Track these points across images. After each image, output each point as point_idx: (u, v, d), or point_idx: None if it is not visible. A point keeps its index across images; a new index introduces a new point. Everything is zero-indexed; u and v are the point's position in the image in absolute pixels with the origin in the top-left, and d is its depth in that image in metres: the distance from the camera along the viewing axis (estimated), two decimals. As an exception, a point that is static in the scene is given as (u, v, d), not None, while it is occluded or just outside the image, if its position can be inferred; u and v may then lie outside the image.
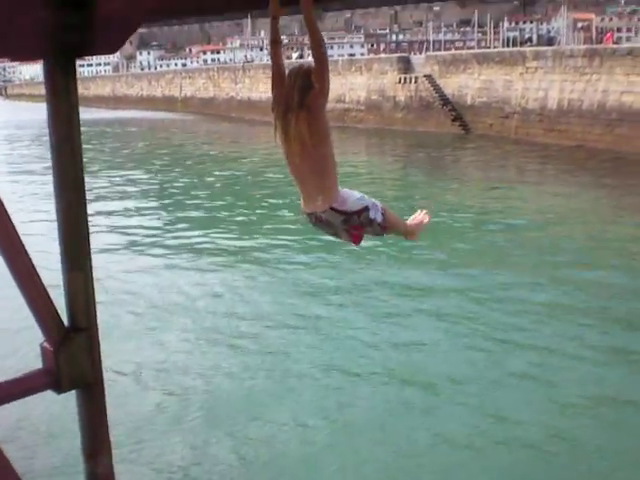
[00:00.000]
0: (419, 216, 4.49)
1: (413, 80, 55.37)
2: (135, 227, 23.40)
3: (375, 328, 13.66)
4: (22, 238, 4.02)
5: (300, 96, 3.66)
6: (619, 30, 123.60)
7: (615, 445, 9.47)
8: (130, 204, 27.29)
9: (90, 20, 3.87)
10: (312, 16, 3.36)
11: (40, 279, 4.11)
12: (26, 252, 4.04)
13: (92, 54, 4.19)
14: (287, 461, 9.25)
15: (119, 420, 9.53)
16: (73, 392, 4.51)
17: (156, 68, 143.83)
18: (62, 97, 4.00)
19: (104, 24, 4.02)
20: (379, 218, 3.97)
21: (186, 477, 8.90)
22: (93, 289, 4.39)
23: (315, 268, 17.65)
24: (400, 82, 56.60)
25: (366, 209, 3.93)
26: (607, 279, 16.47)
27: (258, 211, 25.71)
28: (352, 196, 3.94)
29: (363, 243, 4.08)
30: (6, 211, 3.90)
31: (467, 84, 51.32)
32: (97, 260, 4.55)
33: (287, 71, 3.81)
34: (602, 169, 33.54)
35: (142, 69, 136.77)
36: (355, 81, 60.35)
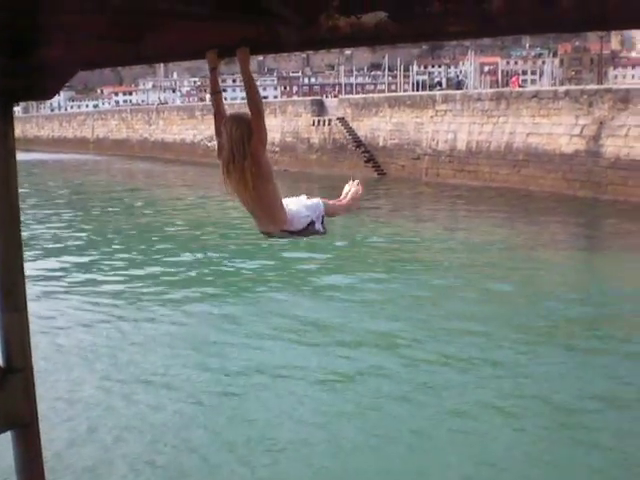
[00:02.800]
0: (352, 189, 4.90)
1: (327, 122, 56.12)
2: (64, 269, 23.11)
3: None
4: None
5: (242, 147, 3.82)
6: (524, 73, 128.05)
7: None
8: (54, 248, 26.84)
9: (28, 67, 3.96)
10: (248, 67, 3.54)
11: (-24, 320, 4.14)
12: (-37, 294, 4.07)
13: (29, 99, 4.29)
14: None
15: (54, 461, 9.43)
16: (9, 433, 4.53)
17: (66, 109, 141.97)
18: (0, 142, 4.06)
19: (42, 71, 4.12)
20: (321, 229, 4.43)
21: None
22: (28, 330, 4.43)
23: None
24: (314, 124, 57.29)
25: (311, 223, 4.36)
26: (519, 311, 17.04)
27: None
28: (298, 214, 4.30)
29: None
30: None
31: (379, 126, 52.28)
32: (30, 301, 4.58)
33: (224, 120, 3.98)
34: (510, 206, 34.69)
35: (52, 110, 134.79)
36: (269, 123, 58.41)
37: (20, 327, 4.36)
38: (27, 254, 24.03)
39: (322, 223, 4.45)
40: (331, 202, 4.70)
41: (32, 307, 4.51)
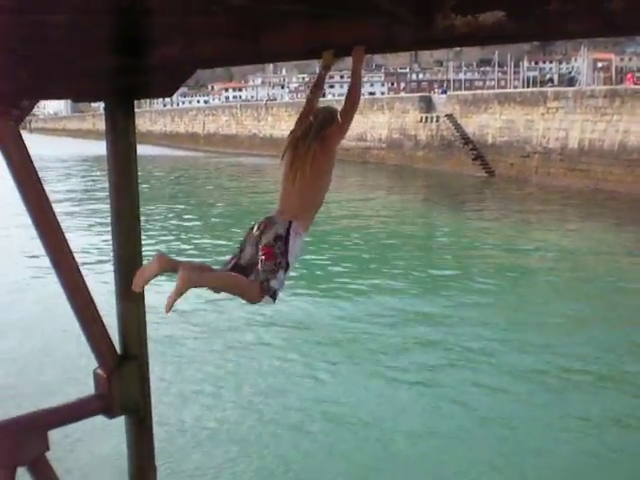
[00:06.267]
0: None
1: (434, 119, 55.64)
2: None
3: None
4: (81, 269, 4.25)
5: (319, 128, 3.87)
6: (639, 70, 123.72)
7: None
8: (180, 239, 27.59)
9: (147, 65, 4.11)
10: (361, 67, 3.60)
11: (96, 308, 4.33)
12: (84, 282, 4.26)
13: (149, 97, 4.45)
14: None
15: (165, 447, 9.70)
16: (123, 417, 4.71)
17: (178, 105, 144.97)
18: (122, 136, 4.24)
19: (160, 69, 4.27)
20: (275, 285, 3.79)
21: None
22: (145, 318, 4.59)
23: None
24: (421, 121, 56.92)
25: (287, 265, 3.83)
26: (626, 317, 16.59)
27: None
28: (298, 252, 3.90)
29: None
30: (67, 243, 4.14)
31: (488, 123, 51.50)
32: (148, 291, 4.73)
33: None
34: (622, 211, 33.52)
35: (164, 105, 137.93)
36: (377, 120, 60.81)
37: (137, 316, 4.53)
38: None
39: (276, 289, 3.82)
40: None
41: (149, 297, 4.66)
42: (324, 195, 4.01)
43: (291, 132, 4.03)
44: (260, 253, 3.83)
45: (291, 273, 3.93)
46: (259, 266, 3.82)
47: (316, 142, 3.85)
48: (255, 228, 3.94)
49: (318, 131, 3.86)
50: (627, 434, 11.01)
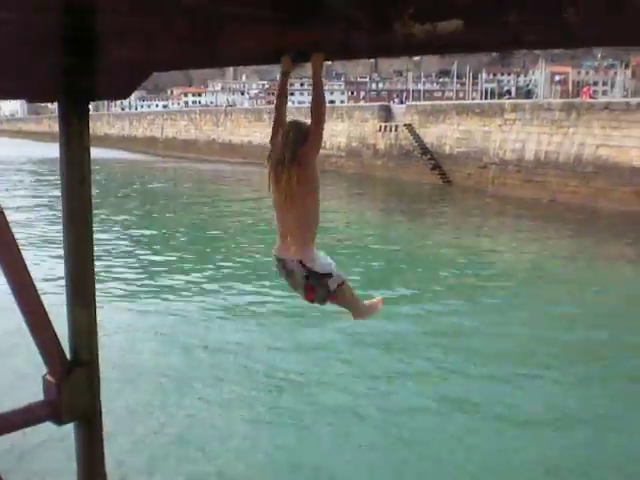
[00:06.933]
0: (376, 300, 4.65)
1: (393, 129, 55.96)
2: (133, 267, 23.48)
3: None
4: (31, 273, 4.16)
5: (292, 149, 3.80)
6: (595, 84, 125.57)
7: None
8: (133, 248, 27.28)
9: (101, 66, 4.04)
10: (320, 74, 3.54)
11: (46, 313, 4.23)
12: (34, 287, 4.17)
13: (104, 98, 4.38)
14: None
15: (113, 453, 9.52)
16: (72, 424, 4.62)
17: (137, 108, 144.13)
18: (75, 139, 4.15)
19: (115, 71, 4.20)
20: (332, 287, 4.10)
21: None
22: (96, 325, 4.51)
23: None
24: (380, 130, 57.19)
25: (329, 275, 4.07)
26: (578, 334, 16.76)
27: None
28: (322, 258, 4.08)
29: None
30: (17, 246, 4.04)
31: (446, 134, 51.89)
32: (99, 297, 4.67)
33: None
34: (577, 223, 33.87)
35: (122, 109, 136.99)
36: (336, 128, 60.91)
37: (88, 322, 4.44)
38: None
39: (337, 286, 4.13)
40: (352, 288, 4.39)
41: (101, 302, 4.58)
42: (318, 211, 4.03)
43: (269, 154, 3.99)
44: (306, 293, 4.15)
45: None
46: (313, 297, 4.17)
47: (294, 164, 3.80)
48: (281, 277, 4.21)
49: (293, 154, 3.80)
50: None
